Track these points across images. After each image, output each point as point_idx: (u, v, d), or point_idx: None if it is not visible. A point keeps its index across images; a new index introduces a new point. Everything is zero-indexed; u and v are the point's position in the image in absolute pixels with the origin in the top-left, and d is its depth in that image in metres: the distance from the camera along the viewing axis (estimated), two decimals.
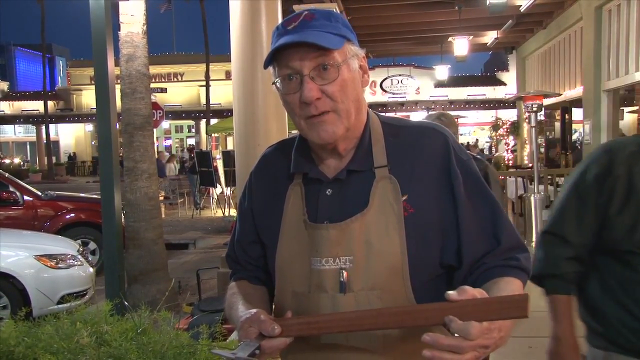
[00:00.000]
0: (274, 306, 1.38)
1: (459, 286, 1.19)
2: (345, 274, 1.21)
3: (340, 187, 1.26)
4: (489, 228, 1.25)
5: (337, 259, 1.21)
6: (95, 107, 4.15)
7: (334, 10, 1.31)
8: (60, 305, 5.11)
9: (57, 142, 39.28)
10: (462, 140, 26.80)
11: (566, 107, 14.84)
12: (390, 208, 1.21)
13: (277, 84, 1.23)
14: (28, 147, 42.54)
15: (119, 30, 5.94)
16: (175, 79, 37.70)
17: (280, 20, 5.61)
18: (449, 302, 1.01)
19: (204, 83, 30.21)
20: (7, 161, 34.89)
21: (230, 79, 5.71)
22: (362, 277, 1.21)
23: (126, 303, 3.08)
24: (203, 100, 31.67)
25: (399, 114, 28.95)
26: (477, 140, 27.21)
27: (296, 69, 1.18)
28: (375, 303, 1.20)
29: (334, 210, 1.24)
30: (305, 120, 1.22)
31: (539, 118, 9.92)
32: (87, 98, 36.63)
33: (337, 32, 1.21)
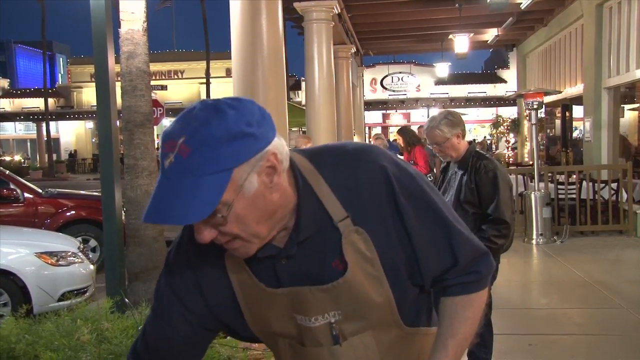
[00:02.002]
0: (274, 356, 1.38)
1: (434, 295, 1.34)
2: (336, 327, 1.22)
3: (297, 255, 1.18)
4: (445, 247, 1.23)
5: (325, 315, 1.21)
6: (95, 104, 4.16)
7: (221, 110, 1.04)
8: (60, 303, 5.10)
9: (57, 140, 39.28)
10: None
11: (567, 105, 14.81)
12: (365, 260, 1.17)
13: None
14: (28, 144, 42.54)
15: (119, 27, 5.93)
16: (176, 77, 37.69)
17: (280, 19, 5.61)
18: None
19: (204, 80, 30.21)
20: (7, 158, 34.89)
21: (231, 77, 5.71)
22: (353, 325, 1.22)
23: (127, 300, 3.08)
24: (203, 98, 31.63)
25: (399, 112, 28.97)
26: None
27: None
28: (369, 341, 1.24)
29: (298, 276, 1.19)
30: None
31: (539, 115, 9.91)
32: (88, 95, 36.64)
33: (220, 167, 1.00)
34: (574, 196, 9.12)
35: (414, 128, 12.33)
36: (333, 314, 1.20)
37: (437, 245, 1.23)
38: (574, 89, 13.36)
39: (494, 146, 26.19)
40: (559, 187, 9.22)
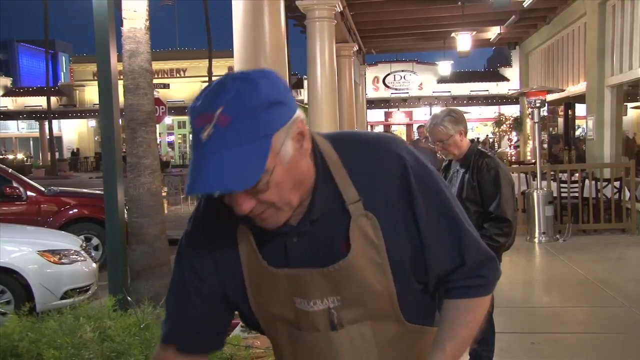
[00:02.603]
0: (272, 345, 1.37)
1: (437, 297, 1.32)
2: (335, 313, 1.21)
3: (308, 234, 1.19)
4: (453, 249, 1.24)
5: (324, 299, 1.20)
6: (98, 102, 4.15)
7: (253, 79, 1.06)
8: (63, 301, 5.11)
9: (60, 138, 39.34)
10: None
11: (569, 103, 14.79)
12: (371, 245, 1.17)
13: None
14: (31, 142, 42.60)
15: (122, 26, 5.94)
16: (178, 75, 37.71)
17: (282, 17, 5.60)
18: None
19: (206, 79, 30.23)
20: (10, 157, 34.97)
21: None
22: (352, 313, 1.21)
23: (129, 298, 3.09)
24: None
25: (402, 110, 28.95)
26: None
27: None
28: (367, 333, 1.22)
29: (307, 256, 1.19)
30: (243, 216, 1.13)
31: (542, 114, 9.90)
32: (90, 94, 36.66)
33: (259, 133, 1.03)
34: (576, 194, 9.11)
35: (415, 127, 12.31)
36: (332, 299, 1.20)
37: (445, 244, 1.23)
38: (577, 87, 13.33)
39: (496, 144, 26.16)
40: (562, 185, 9.21)
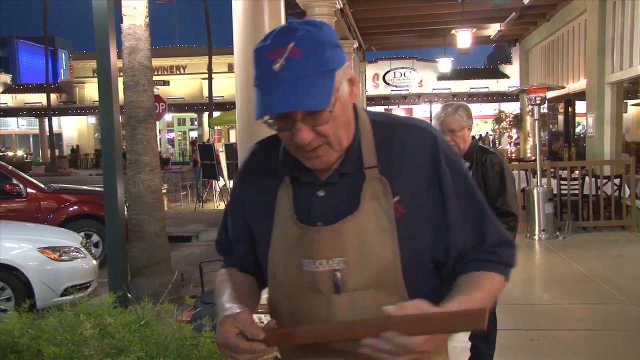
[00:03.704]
0: (267, 303, 1.39)
1: (448, 281, 1.30)
2: (339, 275, 1.23)
3: (332, 189, 1.27)
4: (475, 227, 1.29)
5: (330, 261, 1.23)
6: (98, 99, 4.15)
7: (316, 24, 1.20)
8: (63, 298, 5.11)
9: (60, 135, 39.34)
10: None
11: (569, 100, 14.79)
12: (381, 209, 1.23)
13: (269, 121, 1.21)
14: (31, 139, 42.60)
15: (122, 22, 5.93)
16: (178, 72, 37.68)
17: (282, 14, 5.60)
18: (382, 319, 1.09)
19: (206, 76, 30.16)
20: (10, 154, 34.96)
21: (233, 72, 5.70)
22: (356, 277, 1.23)
23: (129, 295, 3.09)
24: (205, 93, 31.64)
25: (402, 107, 28.93)
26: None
27: (287, 115, 1.17)
28: (369, 302, 1.22)
29: (327, 212, 1.25)
30: (298, 151, 1.23)
31: (542, 111, 9.90)
32: (90, 91, 36.65)
33: (326, 66, 1.15)
34: (576, 192, 9.11)
35: None
36: (337, 261, 1.22)
37: (467, 221, 1.28)
38: (577, 85, 13.32)
39: (496, 142, 26.15)
40: (562, 182, 9.21)
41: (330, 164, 1.24)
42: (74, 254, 5.70)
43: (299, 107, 1.13)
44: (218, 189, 14.86)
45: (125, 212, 5.35)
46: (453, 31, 14.13)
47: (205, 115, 31.08)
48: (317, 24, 1.19)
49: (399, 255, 1.22)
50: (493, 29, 16.25)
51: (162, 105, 13.69)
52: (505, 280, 1.31)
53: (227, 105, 28.88)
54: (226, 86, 32.46)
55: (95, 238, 8.25)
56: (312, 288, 1.25)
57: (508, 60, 26.48)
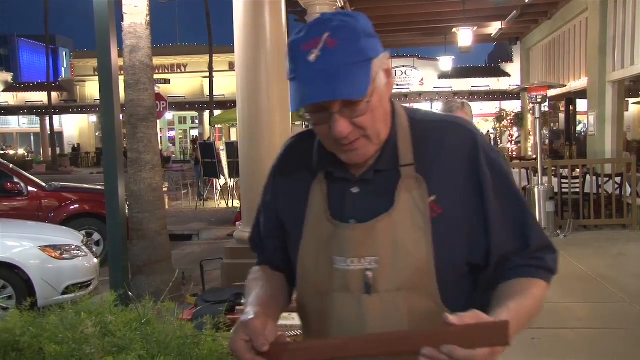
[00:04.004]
0: (296, 303, 1.36)
1: (484, 286, 1.25)
2: (370, 274, 1.18)
3: (367, 186, 1.23)
4: (517, 229, 1.24)
5: (362, 260, 1.19)
6: (98, 98, 4.15)
7: (351, 14, 1.18)
8: (64, 296, 5.12)
9: (61, 134, 39.36)
10: None
11: (571, 99, 14.78)
12: (416, 208, 1.19)
13: (305, 115, 1.19)
14: (32, 138, 42.61)
15: (122, 21, 5.93)
16: (179, 70, 37.68)
17: (283, 11, 5.60)
18: (437, 328, 1.01)
19: (207, 74, 30.17)
20: (11, 152, 34.98)
21: (234, 70, 5.70)
22: (388, 278, 1.18)
23: (130, 294, 3.09)
24: (206, 92, 31.65)
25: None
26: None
27: (323, 106, 1.14)
28: (400, 304, 1.18)
29: (361, 209, 1.22)
30: (335, 144, 1.20)
31: (543, 109, 9.88)
32: (91, 89, 36.66)
33: (363, 56, 1.13)
34: (577, 190, 9.11)
35: None
36: (370, 260, 1.19)
37: (510, 223, 1.23)
38: (578, 83, 13.31)
39: (497, 140, 26.14)
40: (563, 181, 9.20)
41: (367, 158, 1.21)
42: (75, 252, 5.71)
43: (336, 96, 1.10)
44: (219, 188, 14.87)
45: (126, 211, 5.36)
46: (454, 29, 14.13)
47: (206, 113, 31.07)
48: (351, 14, 1.17)
49: (433, 256, 1.18)
50: (494, 27, 16.23)
51: (163, 104, 13.68)
52: (547, 287, 1.25)
53: (228, 104, 28.89)
54: (227, 84, 32.47)
55: (96, 236, 8.26)
56: (343, 287, 1.21)
57: (509, 59, 26.45)
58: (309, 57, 1.11)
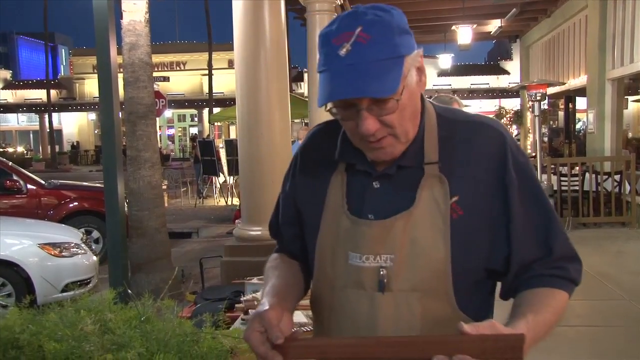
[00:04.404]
0: (310, 295, 1.35)
1: (502, 291, 1.24)
2: (385, 273, 1.16)
3: (389, 182, 1.20)
4: (541, 236, 1.20)
5: (377, 257, 1.17)
6: (98, 96, 4.14)
7: (386, 8, 1.13)
8: (64, 294, 5.13)
9: (60, 131, 39.33)
10: None
11: (570, 96, 14.78)
12: (437, 208, 1.16)
13: (332, 109, 1.16)
14: (31, 135, 42.59)
15: (122, 18, 5.93)
16: (178, 68, 37.66)
17: (283, 8, 5.59)
18: (451, 336, 0.99)
19: (206, 72, 30.13)
20: (10, 150, 34.96)
21: (233, 68, 5.69)
22: (403, 277, 1.16)
23: (130, 291, 3.09)
24: (206, 89, 31.62)
25: None
26: None
27: (351, 102, 1.12)
28: (414, 305, 1.16)
29: (380, 205, 1.19)
30: (362, 141, 1.18)
31: (542, 107, 9.88)
32: (90, 87, 36.64)
33: (395, 53, 1.10)
34: (576, 188, 9.11)
35: None
36: (385, 258, 1.16)
37: (534, 230, 1.19)
38: (578, 81, 13.31)
39: None
40: (562, 178, 9.21)
41: (394, 157, 1.18)
42: (74, 250, 5.71)
43: (365, 93, 1.07)
44: (218, 185, 14.87)
45: (126, 209, 5.35)
46: (453, 27, 14.11)
47: (206, 111, 31.06)
48: (386, 9, 1.13)
49: (450, 259, 1.15)
50: (493, 25, 16.22)
51: (162, 102, 13.68)
52: (569, 298, 1.21)
53: (227, 102, 28.90)
54: (226, 82, 32.44)
55: (95, 234, 8.27)
56: (356, 284, 1.19)
57: (508, 57, 26.41)
58: (340, 51, 1.08)
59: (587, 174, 9.21)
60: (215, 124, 24.46)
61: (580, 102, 14.21)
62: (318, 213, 1.26)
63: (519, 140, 21.39)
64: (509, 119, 23.48)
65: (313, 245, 1.28)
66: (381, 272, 1.16)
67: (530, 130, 18.79)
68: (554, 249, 1.20)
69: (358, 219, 1.20)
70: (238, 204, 10.97)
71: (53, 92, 35.42)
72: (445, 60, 19.37)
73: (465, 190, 1.17)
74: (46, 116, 34.20)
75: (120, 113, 4.35)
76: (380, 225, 1.17)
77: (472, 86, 27.62)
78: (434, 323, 1.16)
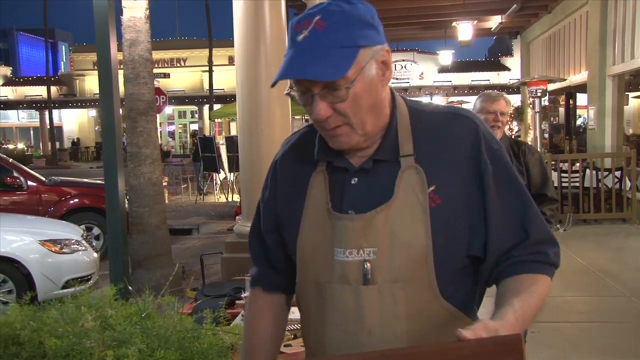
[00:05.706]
0: (295, 292, 1.37)
1: (484, 279, 1.25)
2: (369, 265, 1.18)
3: (366, 176, 1.23)
4: (517, 220, 1.22)
5: (360, 251, 1.19)
6: (98, 92, 4.14)
7: (352, 2, 1.17)
8: (64, 290, 5.13)
9: (60, 128, 39.31)
10: None
11: (571, 93, 14.76)
12: (416, 198, 1.18)
13: (291, 92, 1.21)
14: (31, 132, 42.59)
15: (122, 15, 5.92)
16: (178, 64, 37.63)
17: (283, 5, 5.58)
18: (451, 344, 0.99)
19: (206, 68, 30.10)
20: (10, 146, 34.96)
21: (233, 64, 5.69)
22: (386, 269, 1.18)
23: (130, 288, 3.10)
24: (206, 86, 31.60)
25: None
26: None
27: (306, 87, 1.16)
28: (398, 295, 1.18)
29: (360, 200, 1.21)
30: (321, 129, 1.22)
31: (543, 103, 9.88)
32: (90, 83, 36.63)
33: (349, 42, 1.13)
34: (577, 184, 9.11)
35: None
36: (368, 251, 1.18)
37: (510, 215, 1.22)
38: (578, 77, 13.29)
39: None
40: (563, 175, 9.21)
41: (351, 146, 1.21)
42: (75, 246, 5.71)
43: (304, 75, 1.11)
44: (218, 182, 14.87)
45: (126, 205, 5.36)
46: (454, 23, 14.07)
47: (206, 107, 31.04)
48: (352, 2, 1.17)
49: (432, 248, 1.17)
50: (494, 21, 16.18)
51: (163, 98, 13.68)
52: (551, 282, 1.23)
53: (227, 98, 28.84)
54: (227, 79, 32.41)
55: (96, 231, 8.27)
56: (341, 278, 1.21)
57: (509, 53, 26.42)
58: (298, 37, 1.13)
59: (587, 170, 9.20)
60: (216, 120, 24.40)
61: (581, 99, 14.19)
62: (299, 212, 1.28)
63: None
64: (509, 115, 23.48)
65: (294, 245, 1.29)
66: (365, 266, 1.18)
67: (530, 127, 18.74)
68: (530, 233, 1.22)
69: (339, 215, 1.22)
70: (238, 200, 10.97)
71: (53, 88, 35.38)
72: (446, 56, 19.34)
73: (442, 179, 1.19)
74: (46, 113, 34.17)
75: (120, 109, 4.35)
76: (362, 219, 1.19)
77: (473, 82, 27.62)
78: (417, 312, 1.19)
